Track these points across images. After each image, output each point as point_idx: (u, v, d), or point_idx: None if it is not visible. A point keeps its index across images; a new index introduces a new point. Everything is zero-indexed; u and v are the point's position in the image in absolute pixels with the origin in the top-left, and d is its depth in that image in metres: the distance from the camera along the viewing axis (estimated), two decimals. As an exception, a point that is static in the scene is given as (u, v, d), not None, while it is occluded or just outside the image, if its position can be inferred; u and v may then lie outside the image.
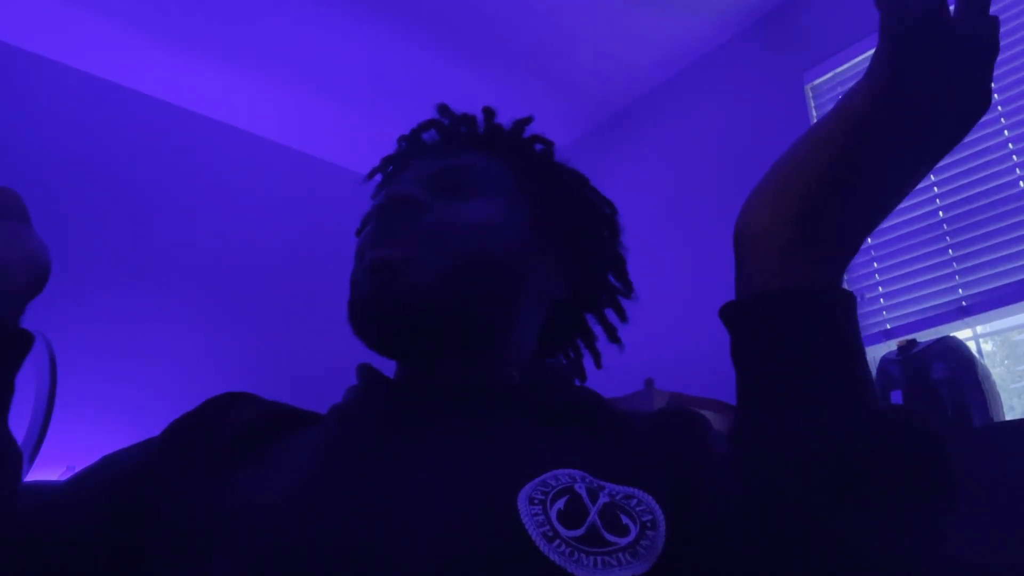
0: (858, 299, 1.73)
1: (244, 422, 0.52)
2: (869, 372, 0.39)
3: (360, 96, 2.74)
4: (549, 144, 0.66)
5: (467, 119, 0.66)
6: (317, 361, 2.24)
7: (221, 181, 2.75)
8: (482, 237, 0.55)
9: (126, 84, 2.63)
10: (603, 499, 0.40)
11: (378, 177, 0.70)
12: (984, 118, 1.74)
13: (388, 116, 2.79)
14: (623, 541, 0.37)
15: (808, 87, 2.19)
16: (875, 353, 1.80)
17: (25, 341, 0.50)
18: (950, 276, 1.74)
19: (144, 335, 2.34)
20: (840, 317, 0.39)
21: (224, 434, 0.50)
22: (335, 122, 2.87)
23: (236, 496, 0.43)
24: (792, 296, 0.38)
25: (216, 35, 2.46)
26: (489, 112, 0.66)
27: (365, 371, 0.57)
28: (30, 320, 0.52)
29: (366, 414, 0.52)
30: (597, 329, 0.69)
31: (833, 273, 0.40)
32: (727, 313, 0.41)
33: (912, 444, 0.36)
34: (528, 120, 0.67)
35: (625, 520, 0.39)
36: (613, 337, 0.68)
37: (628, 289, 0.70)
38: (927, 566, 0.34)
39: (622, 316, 0.69)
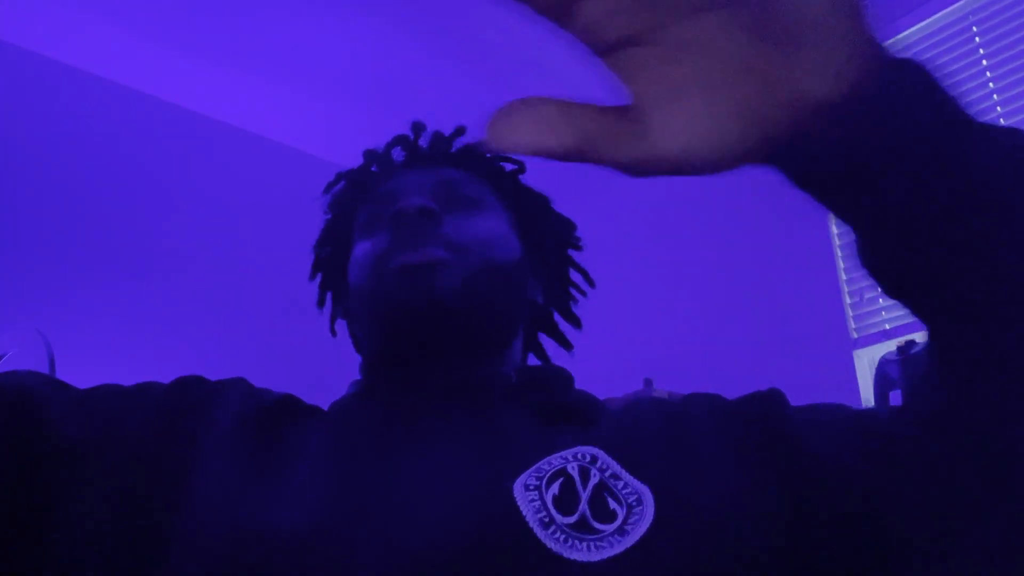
0: (858, 299, 1.71)
1: (243, 415, 0.50)
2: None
3: (358, 95, 2.74)
4: (518, 164, 0.69)
5: (439, 137, 0.68)
6: (317, 360, 2.24)
7: (221, 181, 2.75)
8: (496, 248, 0.57)
9: (124, 82, 2.63)
10: (593, 479, 0.42)
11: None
12: (983, 118, 1.76)
13: (387, 115, 2.78)
14: (611, 528, 0.39)
15: (808, 87, 2.19)
16: (874, 353, 1.80)
17: None
18: (949, 276, 1.73)
19: (144, 335, 2.34)
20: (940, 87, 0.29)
21: (223, 428, 0.48)
22: (333, 120, 2.87)
23: (248, 508, 0.42)
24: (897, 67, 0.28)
25: (213, 34, 2.46)
26: (460, 130, 0.68)
27: (369, 369, 0.59)
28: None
29: (367, 414, 0.52)
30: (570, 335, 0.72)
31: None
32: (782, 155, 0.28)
33: None
34: None
35: (612, 505, 0.40)
36: (565, 344, 0.71)
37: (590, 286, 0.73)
38: None
39: (576, 323, 0.71)
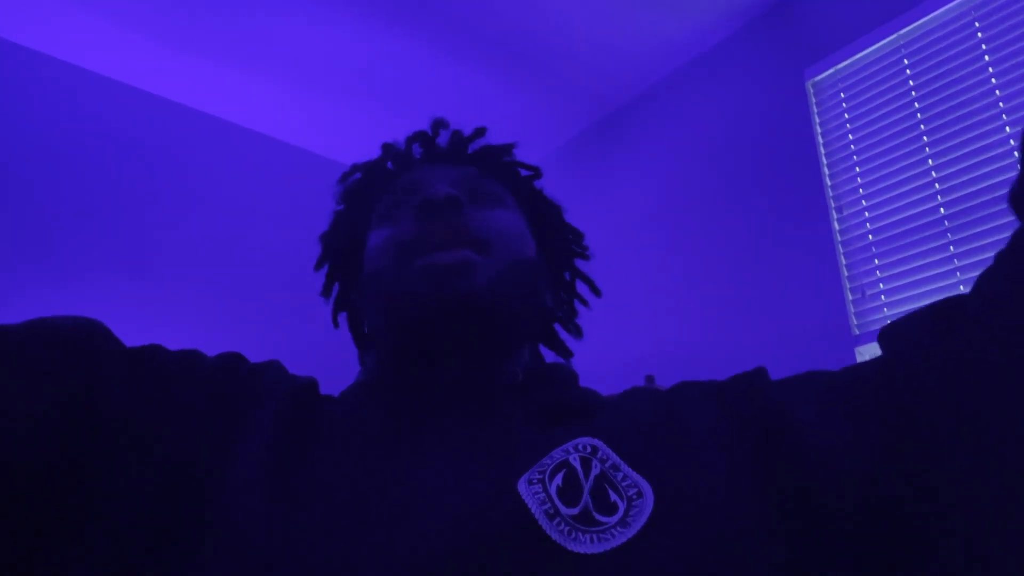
0: (860, 296, 1.70)
1: (280, 407, 0.49)
2: None
3: (356, 92, 2.74)
4: (534, 170, 0.69)
5: (458, 135, 0.67)
6: (316, 357, 2.24)
7: (220, 178, 2.75)
8: (517, 244, 0.57)
9: (124, 80, 2.63)
10: (595, 470, 0.42)
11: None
12: (986, 114, 1.74)
13: (385, 112, 2.79)
14: (613, 520, 0.39)
15: (809, 83, 2.19)
16: (876, 350, 1.80)
17: None
18: (951, 273, 1.73)
19: (143, 334, 2.34)
20: None
21: (264, 418, 0.48)
22: (332, 118, 2.87)
23: (272, 509, 0.41)
24: None
25: (212, 31, 2.46)
26: (480, 131, 0.68)
27: (378, 364, 0.58)
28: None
29: (374, 414, 0.52)
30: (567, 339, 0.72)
31: None
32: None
33: None
34: (513, 145, 0.69)
35: (613, 497, 0.41)
36: (565, 352, 0.71)
37: (591, 297, 0.74)
38: None
39: (578, 333, 0.71)
